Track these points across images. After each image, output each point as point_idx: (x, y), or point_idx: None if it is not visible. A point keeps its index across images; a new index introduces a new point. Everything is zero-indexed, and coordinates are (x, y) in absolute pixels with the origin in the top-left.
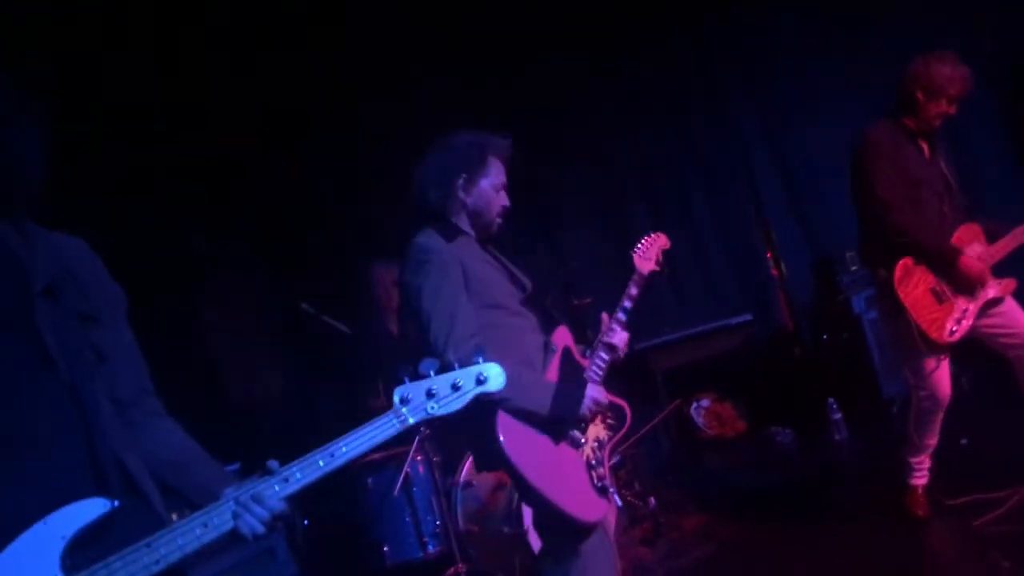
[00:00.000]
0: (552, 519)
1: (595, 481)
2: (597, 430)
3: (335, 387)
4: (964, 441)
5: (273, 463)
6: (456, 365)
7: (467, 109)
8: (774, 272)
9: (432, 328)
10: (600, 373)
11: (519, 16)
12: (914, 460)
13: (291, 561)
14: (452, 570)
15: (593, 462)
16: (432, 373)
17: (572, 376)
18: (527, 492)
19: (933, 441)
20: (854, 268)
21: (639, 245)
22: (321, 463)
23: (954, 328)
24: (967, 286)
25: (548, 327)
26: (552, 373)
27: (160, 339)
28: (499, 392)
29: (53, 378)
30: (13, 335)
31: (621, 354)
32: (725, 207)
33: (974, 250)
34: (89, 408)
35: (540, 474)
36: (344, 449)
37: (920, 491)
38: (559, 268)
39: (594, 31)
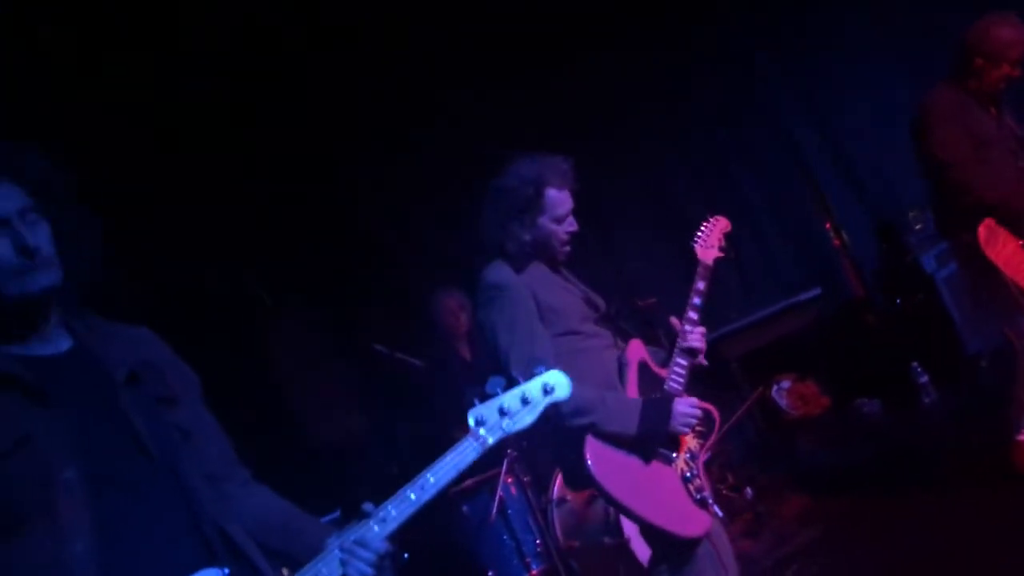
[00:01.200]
0: (654, 535)
1: (693, 494)
2: (688, 441)
3: (417, 422)
4: None
5: (368, 505)
6: (520, 380)
7: (515, 123)
8: (836, 242)
9: (512, 360)
10: (682, 381)
11: (554, 23)
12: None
13: None
14: None
15: (688, 475)
16: (500, 391)
17: (652, 389)
18: (625, 513)
19: None
20: (918, 227)
21: (699, 234)
22: (412, 496)
23: None
24: None
25: (623, 340)
26: (632, 389)
27: (236, 396)
28: (570, 402)
29: (148, 462)
30: (106, 426)
31: (702, 354)
32: (777, 187)
33: None
34: (187, 485)
35: (634, 495)
36: (432, 479)
37: None
38: (618, 271)
39: (626, 30)
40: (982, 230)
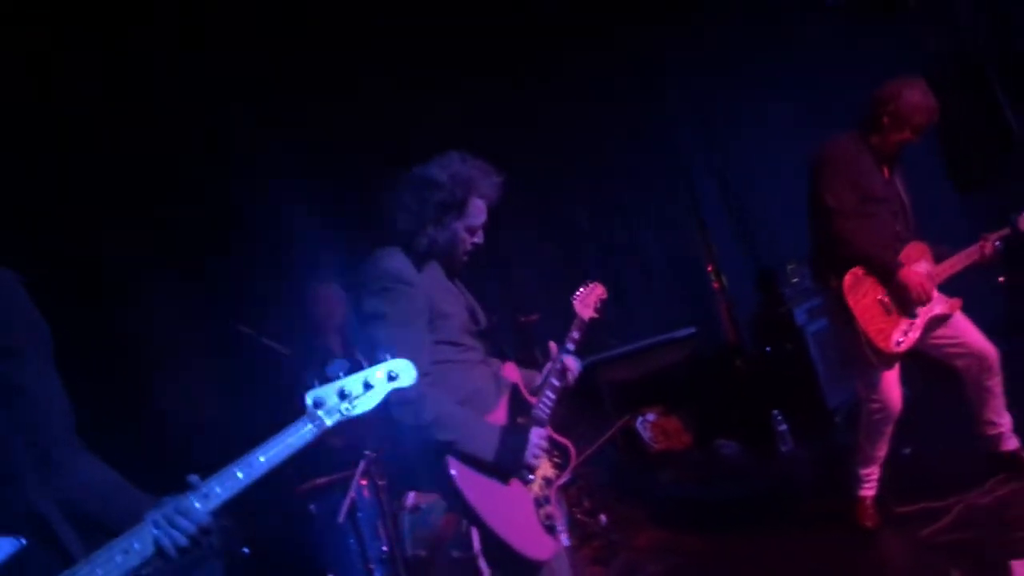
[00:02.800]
0: (503, 555)
1: (543, 519)
2: (545, 468)
3: (277, 410)
4: (907, 450)
5: (193, 478)
6: (364, 364)
7: (411, 124)
8: (715, 285)
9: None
10: (548, 410)
11: (460, 32)
12: (864, 471)
13: None
14: None
15: (541, 500)
16: (342, 374)
17: (521, 413)
18: (480, 527)
19: (882, 452)
20: (795, 280)
21: (579, 292)
22: (240, 475)
23: (900, 339)
24: (909, 299)
25: (498, 359)
26: (501, 410)
27: (84, 360)
28: (433, 414)
29: None
30: None
31: (571, 380)
32: (667, 222)
33: (921, 267)
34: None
35: (488, 507)
36: (262, 459)
37: (869, 502)
38: (503, 282)
39: (537, 45)
40: (848, 277)
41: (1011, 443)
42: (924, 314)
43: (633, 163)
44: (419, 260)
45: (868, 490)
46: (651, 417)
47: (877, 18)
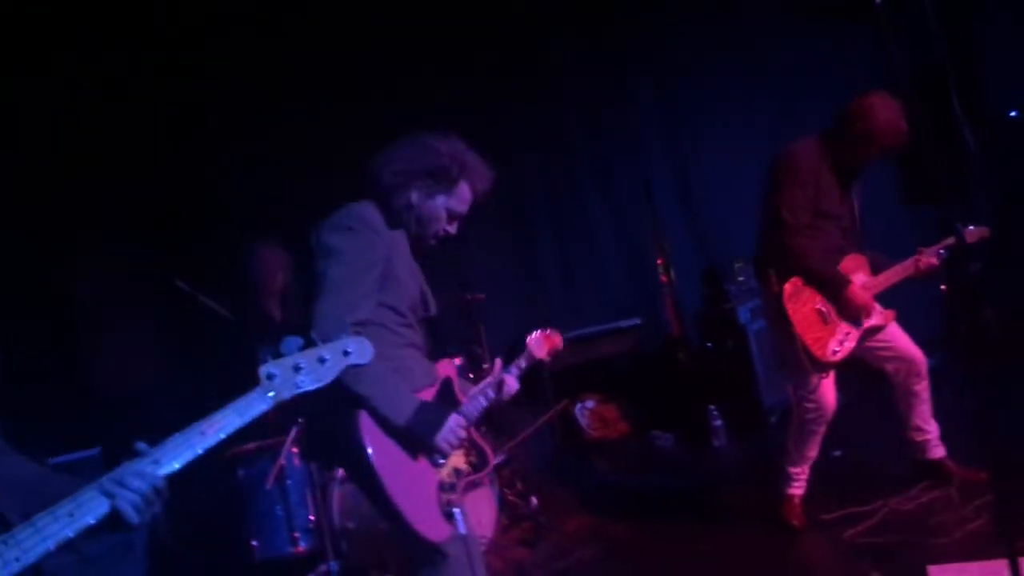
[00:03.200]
0: (393, 523)
1: (443, 503)
2: (458, 459)
3: (213, 373)
4: (837, 453)
5: (141, 445)
6: (318, 342)
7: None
8: (663, 278)
9: (328, 296)
10: (475, 415)
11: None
12: (794, 471)
13: (147, 556)
14: (324, 567)
15: (446, 485)
16: (296, 350)
17: (447, 404)
18: (376, 489)
19: (813, 453)
20: (741, 279)
21: (536, 333)
22: (191, 442)
23: (836, 348)
24: (851, 313)
25: (436, 355)
26: (427, 397)
27: (17, 309)
28: (352, 383)
29: None
30: None
31: (506, 397)
32: (622, 212)
33: (858, 279)
34: None
35: (393, 477)
36: (215, 429)
37: (796, 501)
38: (455, 259)
39: (506, 32)
40: (789, 285)
41: (937, 451)
42: (862, 325)
43: (593, 152)
44: (391, 221)
45: (796, 489)
46: (590, 404)
47: (841, 25)
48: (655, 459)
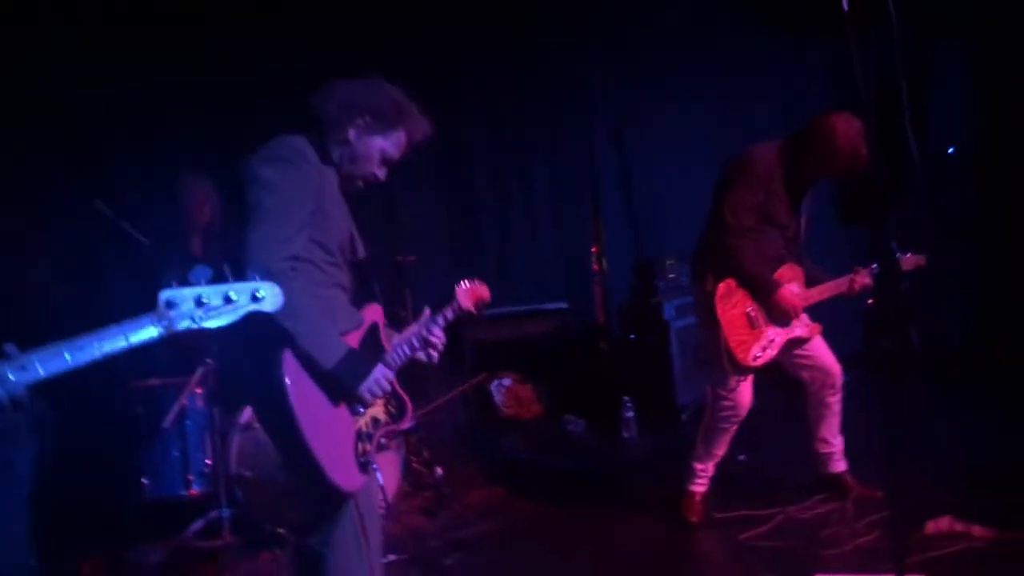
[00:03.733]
0: (305, 472)
1: (359, 453)
2: (378, 409)
3: (125, 303)
4: (742, 457)
5: (10, 347)
6: (229, 278)
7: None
8: (595, 267)
9: (262, 227)
10: (399, 362)
11: None
12: (699, 466)
13: (29, 480)
14: (214, 513)
15: (363, 435)
16: (204, 282)
17: (372, 353)
18: (291, 432)
19: (721, 452)
20: (671, 276)
21: (464, 283)
22: (67, 356)
23: (758, 354)
24: (780, 318)
25: (363, 300)
26: (352, 342)
27: None
28: (281, 317)
29: None
30: None
31: (433, 351)
32: (564, 197)
33: (791, 289)
34: None
35: (310, 421)
36: (95, 345)
37: (698, 498)
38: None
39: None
40: (722, 286)
41: (839, 465)
42: (786, 334)
43: (542, 134)
44: (324, 156)
45: (699, 486)
46: (507, 382)
47: (795, 35)
48: (564, 443)
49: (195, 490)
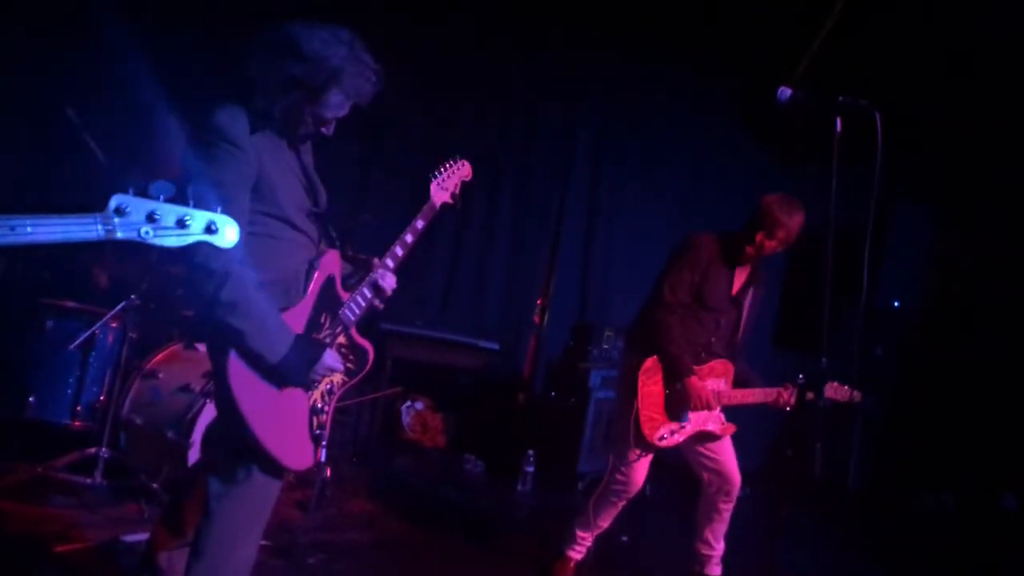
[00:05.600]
0: (258, 457)
1: (314, 427)
2: (334, 377)
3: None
4: (625, 538)
5: None
6: (191, 203)
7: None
8: (536, 319)
9: None
10: (358, 312)
11: None
12: (581, 534)
13: None
14: (93, 450)
15: (318, 407)
16: (161, 198)
17: (329, 306)
18: (239, 424)
19: (606, 524)
20: (606, 347)
21: (440, 172)
22: None
23: (665, 435)
24: (679, 405)
25: (325, 245)
26: (309, 299)
27: None
28: (233, 295)
29: None
30: None
31: (384, 297)
32: (523, 242)
33: (717, 384)
34: None
35: (259, 411)
36: (29, 228)
37: (572, 564)
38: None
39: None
40: (649, 361)
41: (715, 570)
42: (697, 425)
43: (516, 178)
44: (258, 123)
45: (576, 553)
46: (419, 405)
47: (778, 155)
48: (458, 479)
49: (80, 422)
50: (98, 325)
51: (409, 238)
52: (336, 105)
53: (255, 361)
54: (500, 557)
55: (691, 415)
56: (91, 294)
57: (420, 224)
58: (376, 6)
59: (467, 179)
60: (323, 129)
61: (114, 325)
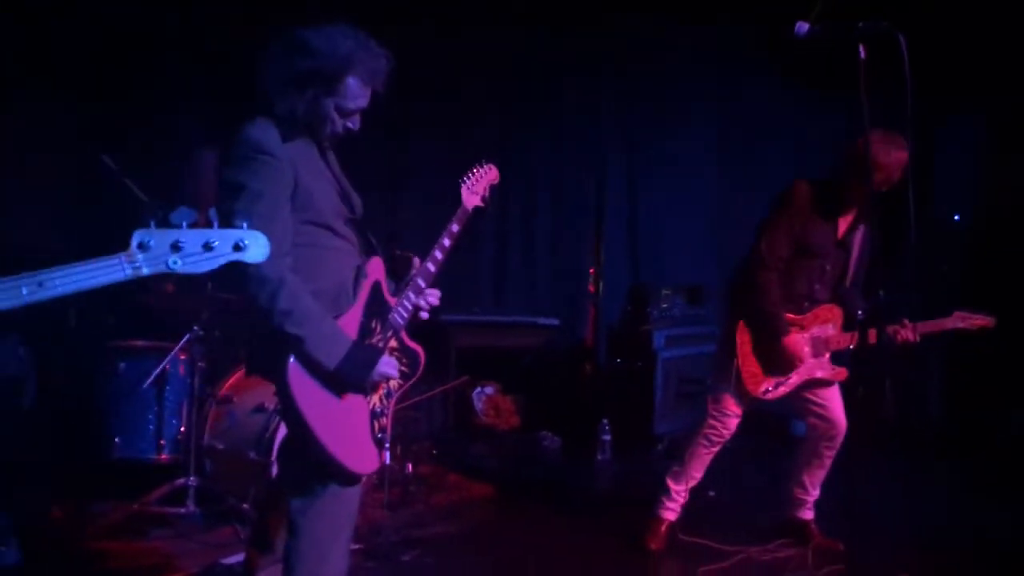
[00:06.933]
0: (324, 465)
1: (376, 431)
2: (390, 380)
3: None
4: (712, 492)
5: None
6: (215, 224)
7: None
8: (591, 288)
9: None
10: (406, 316)
11: None
12: (675, 487)
13: (4, 422)
14: (182, 481)
15: (378, 410)
16: (185, 225)
17: (379, 312)
18: (303, 433)
19: (699, 474)
20: (665, 306)
21: (469, 176)
22: (24, 291)
23: (769, 388)
24: (781, 365)
25: (365, 253)
26: (359, 306)
27: None
28: (289, 303)
29: None
30: None
31: (428, 310)
32: (568, 215)
33: (823, 330)
34: None
35: (322, 418)
36: (57, 282)
37: (665, 525)
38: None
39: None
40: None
41: (807, 514)
42: (804, 374)
43: (553, 148)
44: (287, 132)
45: (670, 512)
46: (488, 390)
47: (810, 87)
48: (537, 457)
49: (165, 455)
50: (167, 360)
51: (447, 242)
52: (355, 92)
53: (314, 368)
54: (590, 528)
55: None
56: (157, 328)
57: (455, 228)
58: None
59: (495, 183)
60: (349, 123)
61: (182, 357)
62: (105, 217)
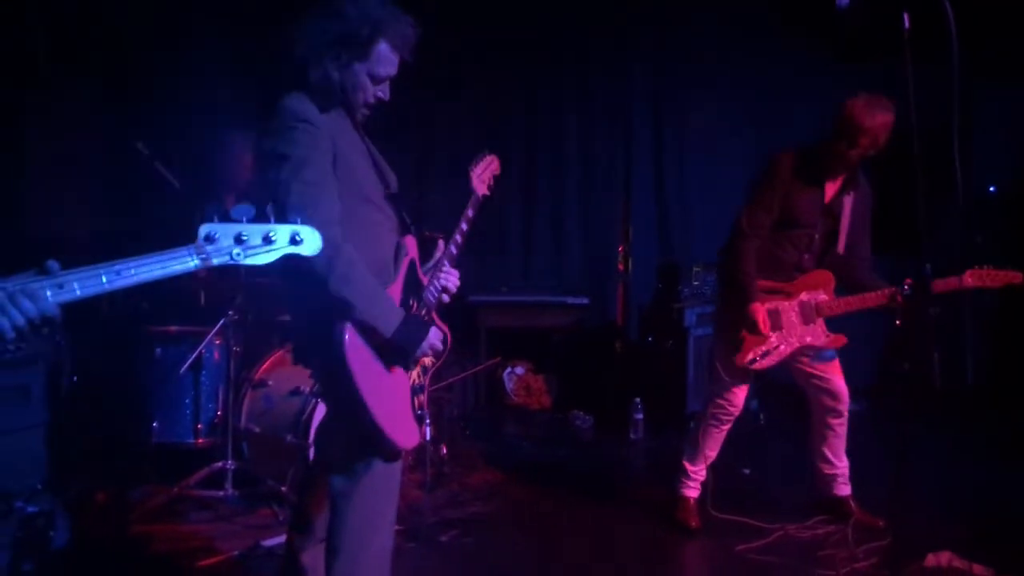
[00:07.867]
0: (370, 437)
1: (416, 407)
2: (425, 358)
3: (152, 241)
4: (747, 471)
5: (53, 263)
6: (271, 218)
7: None
8: (620, 267)
9: (291, 203)
10: (436, 295)
11: None
12: (692, 468)
13: (45, 408)
14: (220, 464)
15: (417, 388)
16: (245, 219)
17: (414, 290)
18: (353, 403)
19: (713, 453)
20: (696, 283)
21: (476, 165)
22: (104, 279)
23: (755, 358)
24: (751, 329)
25: (401, 230)
26: (399, 285)
27: None
28: (344, 267)
29: None
30: None
31: (451, 294)
32: (596, 194)
33: (813, 296)
34: None
35: (372, 389)
36: (132, 271)
37: (692, 503)
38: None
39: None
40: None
41: (843, 489)
42: (795, 342)
43: (579, 130)
44: (323, 102)
45: (691, 491)
46: (519, 370)
47: (843, 56)
48: (570, 437)
49: (203, 439)
50: (203, 345)
51: (464, 226)
52: (386, 58)
53: (369, 336)
54: (625, 507)
55: (777, 335)
56: (192, 314)
57: (471, 213)
58: None
59: (497, 174)
60: (379, 92)
61: (218, 342)
62: (137, 202)
